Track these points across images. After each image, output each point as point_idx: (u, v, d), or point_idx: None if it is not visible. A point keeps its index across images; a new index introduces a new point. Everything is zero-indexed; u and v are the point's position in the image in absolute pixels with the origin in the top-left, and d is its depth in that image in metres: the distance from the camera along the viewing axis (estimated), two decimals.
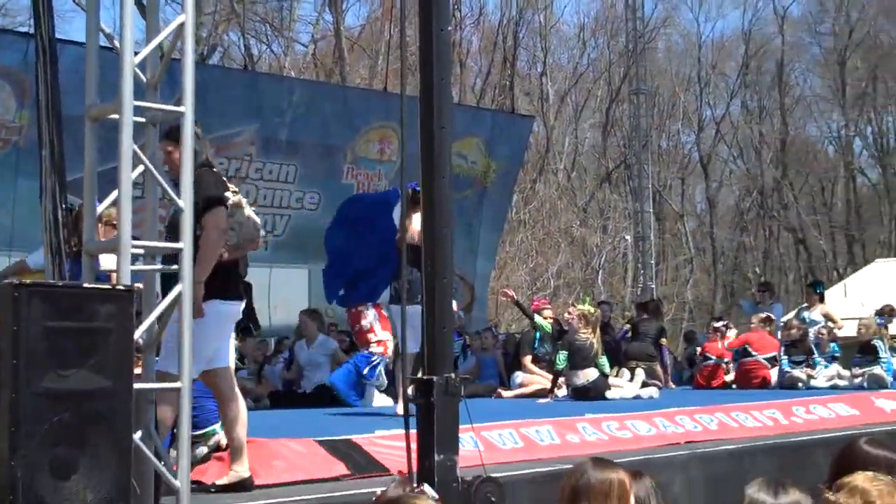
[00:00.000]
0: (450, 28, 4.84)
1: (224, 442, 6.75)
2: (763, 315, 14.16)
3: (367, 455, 6.70)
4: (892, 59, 46.51)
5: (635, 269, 26.70)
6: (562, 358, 11.64)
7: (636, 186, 24.95)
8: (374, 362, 10.88)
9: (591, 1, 49.02)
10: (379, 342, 10.69)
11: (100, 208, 5.10)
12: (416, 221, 8.73)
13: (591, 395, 11.28)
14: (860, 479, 3.68)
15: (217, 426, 6.85)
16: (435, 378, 4.68)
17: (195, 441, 6.70)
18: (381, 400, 11.01)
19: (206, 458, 6.69)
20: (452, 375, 4.75)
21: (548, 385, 12.08)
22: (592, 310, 12.10)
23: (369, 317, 10.62)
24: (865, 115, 48.24)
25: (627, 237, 34.88)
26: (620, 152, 41.97)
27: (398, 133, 16.40)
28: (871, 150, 49.11)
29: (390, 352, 10.83)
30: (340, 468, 6.44)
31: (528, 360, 12.81)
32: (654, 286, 24.11)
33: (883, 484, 3.66)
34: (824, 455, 8.65)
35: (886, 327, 14.32)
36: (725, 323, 14.60)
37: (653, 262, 24.66)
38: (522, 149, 20.77)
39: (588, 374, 11.47)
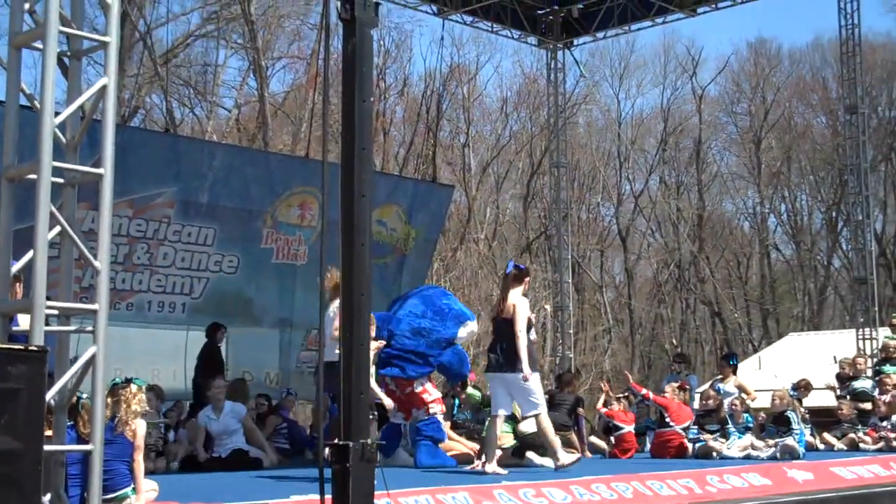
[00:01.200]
0: (372, 99, 4.91)
1: None
2: (677, 383, 14.30)
3: None
4: (805, 140, 47.83)
5: (554, 339, 26.83)
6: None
7: (556, 257, 25.13)
8: (440, 423, 11.68)
9: (514, 75, 49.73)
10: (434, 400, 11.59)
11: (14, 268, 5.06)
12: (512, 296, 10.16)
13: (538, 442, 11.33)
14: None
15: (129, 489, 6.76)
16: (351, 443, 4.67)
17: None
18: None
19: None
20: (369, 441, 4.75)
21: (466, 451, 12.10)
22: None
23: (422, 380, 11.57)
24: (780, 193, 49.47)
25: (547, 307, 35.10)
26: (541, 223, 42.46)
27: (318, 198, 16.49)
28: (786, 227, 50.29)
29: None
30: None
31: (447, 426, 12.78)
32: (572, 355, 24.25)
33: None
34: None
35: (800, 400, 14.56)
36: (626, 394, 14.75)
37: (571, 331, 24.80)
38: (442, 217, 20.89)
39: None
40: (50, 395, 4.63)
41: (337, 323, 9.19)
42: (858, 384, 15.41)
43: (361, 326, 4.69)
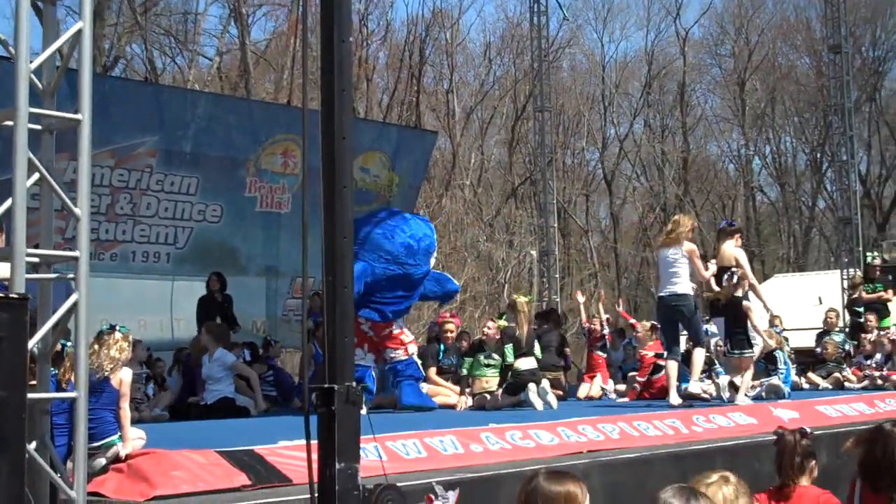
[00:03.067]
0: (352, 40, 4.85)
1: (123, 453, 6.68)
2: (649, 323, 14.41)
3: (270, 465, 6.64)
4: (789, 82, 47.72)
5: (540, 284, 26.90)
6: (467, 364, 12.27)
7: (541, 202, 25.14)
8: (416, 363, 12.00)
9: (497, 20, 49.50)
10: (411, 342, 12.03)
11: None
12: (727, 247, 11.73)
13: (532, 380, 11.60)
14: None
15: (115, 437, 6.76)
16: (336, 386, 4.67)
17: (93, 453, 6.61)
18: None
19: (104, 470, 6.59)
20: (353, 384, 4.74)
21: (453, 396, 12.20)
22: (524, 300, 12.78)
23: (399, 321, 11.87)
24: (764, 135, 49.43)
25: (533, 252, 35.19)
26: (526, 168, 42.38)
27: (301, 145, 16.39)
28: (770, 169, 50.32)
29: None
30: (242, 479, 6.38)
31: (432, 371, 12.83)
32: (558, 300, 24.33)
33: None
34: (723, 462, 8.83)
35: (786, 338, 14.69)
36: (607, 317, 15.29)
37: (557, 276, 24.85)
38: (425, 163, 20.83)
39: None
40: (33, 343, 4.60)
41: (680, 264, 11.15)
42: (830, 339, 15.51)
43: (345, 270, 4.67)
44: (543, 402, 11.52)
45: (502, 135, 45.08)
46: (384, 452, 7.12)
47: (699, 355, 11.51)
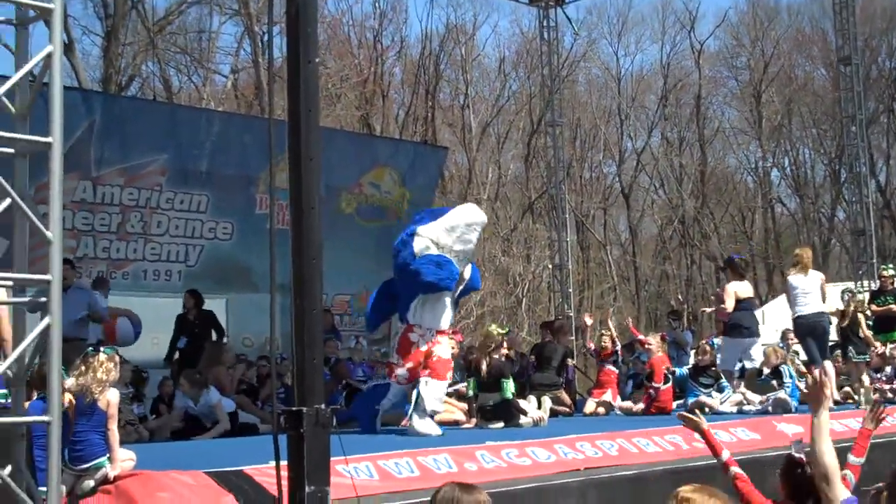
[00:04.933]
0: (318, 60, 4.84)
1: (112, 474, 6.68)
2: (659, 335, 14.37)
3: (258, 486, 6.61)
4: (806, 93, 47.46)
5: (555, 298, 26.83)
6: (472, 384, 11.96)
7: (557, 217, 25.09)
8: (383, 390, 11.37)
9: (512, 35, 49.30)
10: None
11: None
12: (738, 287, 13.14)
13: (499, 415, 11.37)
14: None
15: (104, 459, 6.76)
16: (304, 409, 4.64)
17: (82, 474, 6.64)
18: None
19: (93, 492, 6.60)
20: (323, 406, 4.71)
21: (457, 413, 12.13)
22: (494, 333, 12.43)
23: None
24: (782, 147, 49.15)
25: (550, 266, 35.11)
26: (543, 182, 42.29)
27: None
28: (789, 181, 50.03)
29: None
30: (229, 500, 6.36)
31: None
32: (572, 314, 24.23)
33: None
34: (724, 478, 8.75)
35: (795, 352, 14.59)
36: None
37: (571, 290, 24.75)
38: (436, 178, 20.89)
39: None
40: (5, 367, 4.61)
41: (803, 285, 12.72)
42: None
43: (314, 292, 4.66)
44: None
45: (519, 149, 45.01)
46: (377, 472, 7.11)
47: (832, 370, 12.76)
